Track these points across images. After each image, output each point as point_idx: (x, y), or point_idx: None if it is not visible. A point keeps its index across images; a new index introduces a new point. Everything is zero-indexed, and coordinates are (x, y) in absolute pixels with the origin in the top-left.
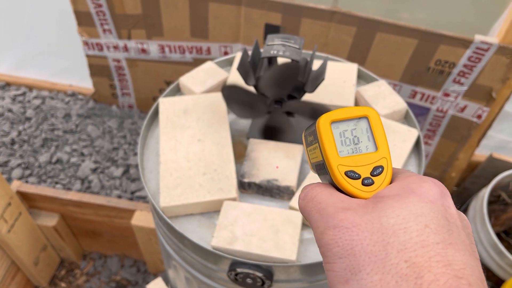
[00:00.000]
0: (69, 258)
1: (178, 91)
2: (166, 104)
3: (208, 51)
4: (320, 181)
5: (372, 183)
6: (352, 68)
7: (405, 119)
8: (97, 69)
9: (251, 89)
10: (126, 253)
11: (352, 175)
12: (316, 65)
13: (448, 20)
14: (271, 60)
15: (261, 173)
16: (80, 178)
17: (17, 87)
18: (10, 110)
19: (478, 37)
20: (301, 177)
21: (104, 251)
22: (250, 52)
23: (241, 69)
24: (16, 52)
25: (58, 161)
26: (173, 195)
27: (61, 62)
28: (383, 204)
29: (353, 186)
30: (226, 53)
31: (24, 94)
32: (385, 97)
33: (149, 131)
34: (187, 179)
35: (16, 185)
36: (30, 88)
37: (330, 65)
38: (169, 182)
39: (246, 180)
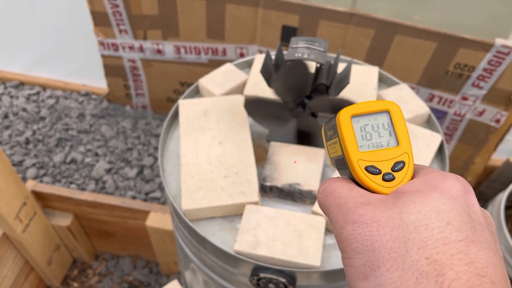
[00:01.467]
0: (82, 258)
1: (197, 92)
2: (186, 106)
3: (224, 52)
4: (340, 176)
5: (393, 178)
6: (373, 71)
7: (427, 124)
8: (112, 69)
9: (272, 97)
10: (139, 254)
11: (372, 170)
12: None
13: (466, 23)
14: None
15: (283, 177)
16: (94, 178)
17: (31, 86)
18: (24, 110)
19: (499, 41)
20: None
21: (116, 251)
22: (273, 55)
23: (264, 71)
24: (30, 52)
25: (73, 161)
26: (195, 198)
27: (74, 62)
28: (404, 200)
29: (374, 181)
30: (242, 55)
31: (38, 93)
32: (407, 101)
33: (169, 133)
34: (208, 182)
35: (31, 184)
36: (44, 87)
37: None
38: (190, 185)
39: (268, 183)
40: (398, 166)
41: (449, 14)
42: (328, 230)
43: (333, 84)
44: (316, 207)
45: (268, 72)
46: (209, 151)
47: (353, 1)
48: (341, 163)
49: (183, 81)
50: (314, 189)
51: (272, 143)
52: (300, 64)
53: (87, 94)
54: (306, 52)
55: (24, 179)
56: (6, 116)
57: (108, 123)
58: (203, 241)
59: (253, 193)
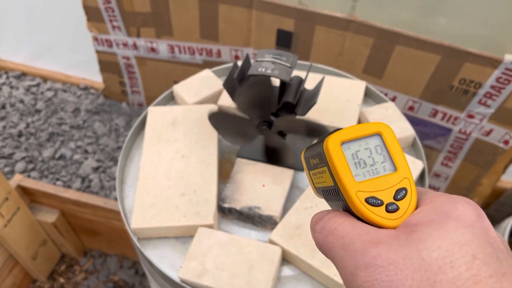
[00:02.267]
0: (70, 253)
1: (172, 99)
2: (155, 113)
3: (219, 54)
4: (332, 209)
5: (397, 208)
6: (359, 86)
7: (412, 147)
8: (107, 65)
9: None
10: (126, 253)
11: (373, 201)
12: (327, 82)
13: (484, 34)
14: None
15: (243, 198)
16: (81, 176)
17: (32, 77)
18: (21, 101)
19: (509, 57)
20: (288, 205)
21: (104, 249)
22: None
23: (227, 85)
24: (34, 43)
25: (62, 157)
26: (146, 217)
27: (77, 55)
28: (419, 234)
29: (377, 214)
30: (237, 57)
31: (38, 85)
32: (392, 122)
33: (136, 141)
34: (164, 200)
35: (17, 179)
36: (45, 79)
37: (336, 81)
38: (144, 201)
39: (226, 205)
40: (401, 194)
41: (468, 22)
42: (285, 261)
43: (301, 102)
44: (274, 235)
45: (232, 86)
46: (170, 164)
47: (352, 7)
48: (333, 194)
49: (178, 81)
50: (275, 214)
51: (239, 160)
52: (264, 79)
53: (86, 88)
54: (271, 67)
55: (13, 172)
56: (3, 107)
57: (102, 119)
58: (150, 263)
59: (209, 214)
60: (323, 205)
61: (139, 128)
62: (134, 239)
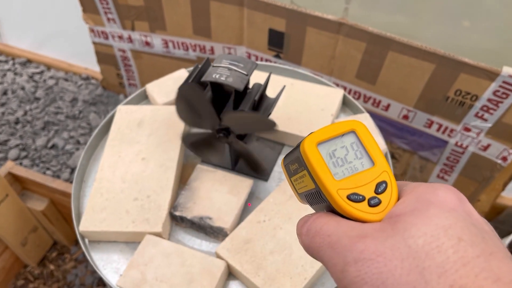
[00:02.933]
0: (61, 241)
1: (145, 98)
2: (123, 113)
3: (212, 50)
4: (315, 212)
5: (380, 202)
6: (336, 95)
7: None
8: (104, 57)
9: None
10: None
11: (355, 198)
12: (302, 89)
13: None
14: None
15: (196, 207)
16: (70, 167)
17: (36, 64)
18: (23, 88)
19: (507, 70)
20: (244, 216)
21: None
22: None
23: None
24: (40, 30)
25: (54, 146)
26: (95, 220)
27: (82, 44)
28: (403, 224)
29: (360, 210)
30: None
31: (41, 73)
32: None
33: (102, 140)
34: (115, 203)
35: (8, 166)
36: (49, 67)
37: (313, 88)
38: (96, 203)
39: (177, 213)
40: (381, 187)
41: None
42: (232, 276)
43: (260, 111)
44: (220, 248)
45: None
46: (128, 167)
47: (345, 9)
48: (315, 197)
49: None
50: (226, 226)
51: (199, 166)
52: (193, 87)
53: (87, 78)
54: (225, 74)
55: (6, 159)
56: (5, 93)
57: (98, 111)
58: (94, 266)
59: (158, 222)
60: (277, 218)
61: (106, 127)
62: (81, 241)
